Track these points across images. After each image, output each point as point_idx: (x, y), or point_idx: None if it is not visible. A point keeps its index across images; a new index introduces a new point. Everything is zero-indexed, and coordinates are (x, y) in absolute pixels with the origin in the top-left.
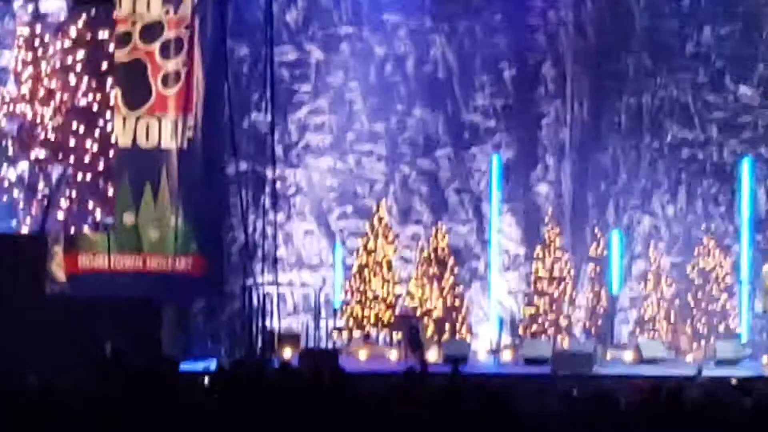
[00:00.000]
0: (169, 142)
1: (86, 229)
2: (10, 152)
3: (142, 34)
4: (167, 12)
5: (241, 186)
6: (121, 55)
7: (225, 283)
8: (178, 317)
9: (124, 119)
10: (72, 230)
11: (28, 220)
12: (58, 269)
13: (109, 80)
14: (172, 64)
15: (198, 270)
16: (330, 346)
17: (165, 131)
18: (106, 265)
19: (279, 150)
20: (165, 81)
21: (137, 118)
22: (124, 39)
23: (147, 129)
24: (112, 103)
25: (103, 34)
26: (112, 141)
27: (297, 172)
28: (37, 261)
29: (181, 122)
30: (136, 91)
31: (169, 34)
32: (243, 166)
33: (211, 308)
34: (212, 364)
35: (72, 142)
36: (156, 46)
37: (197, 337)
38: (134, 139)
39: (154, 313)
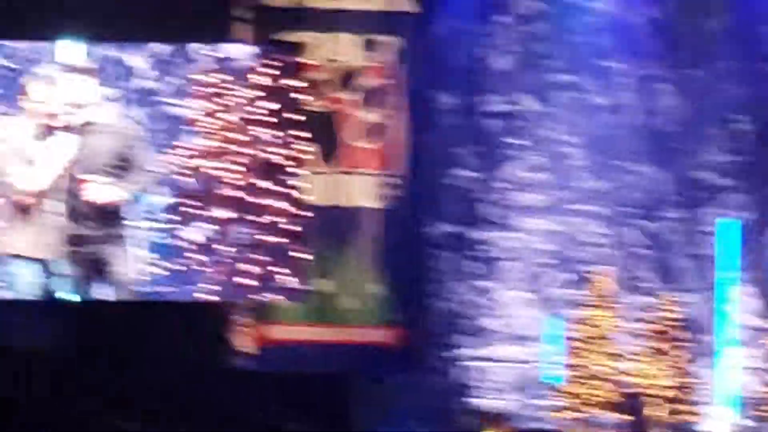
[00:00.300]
0: (368, 201)
1: (274, 296)
2: (190, 212)
3: (340, 83)
4: (367, 59)
5: (445, 250)
6: (316, 106)
7: (427, 356)
8: (376, 392)
9: (319, 176)
10: (258, 297)
11: (209, 286)
12: (243, 340)
13: (301, 133)
14: (371, 116)
15: (398, 341)
16: (545, 427)
17: (363, 189)
18: (298, 336)
19: (488, 210)
20: (364, 134)
21: (333, 175)
22: (320, 88)
23: (344, 186)
24: (304, 157)
25: (293, 83)
26: (305, 199)
27: (507, 235)
28: (222, 331)
29: (382, 179)
30: (332, 145)
31: (369, 82)
32: (448, 227)
33: (412, 383)
34: None
35: (258, 201)
36: (355, 96)
37: (396, 414)
38: (330, 198)
39: (350, 387)
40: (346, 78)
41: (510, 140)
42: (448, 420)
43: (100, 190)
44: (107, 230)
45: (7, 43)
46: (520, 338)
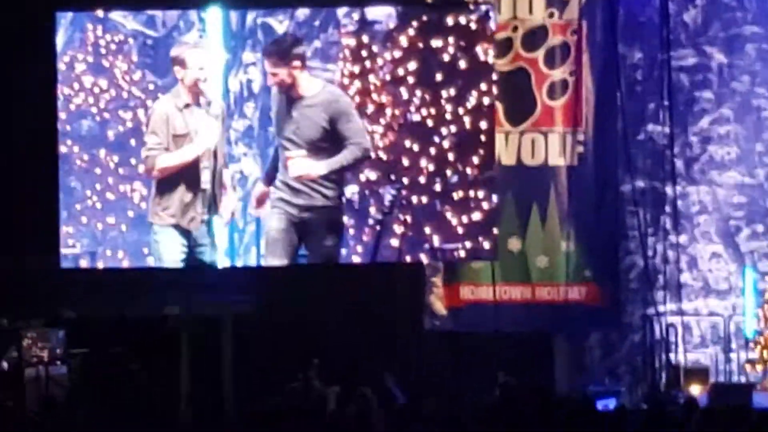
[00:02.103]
0: (557, 159)
1: (465, 256)
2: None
3: (524, 41)
4: (551, 15)
5: (638, 206)
6: (502, 64)
7: (623, 313)
8: (572, 351)
9: (507, 135)
10: (449, 258)
11: (359, 248)
12: (437, 302)
13: (444, 93)
14: (558, 73)
15: (592, 299)
16: (743, 380)
17: (552, 147)
18: (491, 296)
19: (679, 165)
20: (551, 92)
21: (521, 133)
22: (505, 46)
23: (532, 145)
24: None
25: (436, 42)
26: (494, 159)
27: (700, 189)
28: (416, 293)
29: (570, 136)
30: (519, 104)
31: (553, 39)
32: (640, 183)
33: (609, 341)
34: (611, 403)
35: (405, 162)
36: (540, 54)
37: (593, 372)
38: (518, 157)
39: (546, 347)
40: (532, 35)
41: (699, 94)
42: (646, 376)
43: (303, 165)
44: (314, 201)
45: (155, 12)
46: (716, 292)
